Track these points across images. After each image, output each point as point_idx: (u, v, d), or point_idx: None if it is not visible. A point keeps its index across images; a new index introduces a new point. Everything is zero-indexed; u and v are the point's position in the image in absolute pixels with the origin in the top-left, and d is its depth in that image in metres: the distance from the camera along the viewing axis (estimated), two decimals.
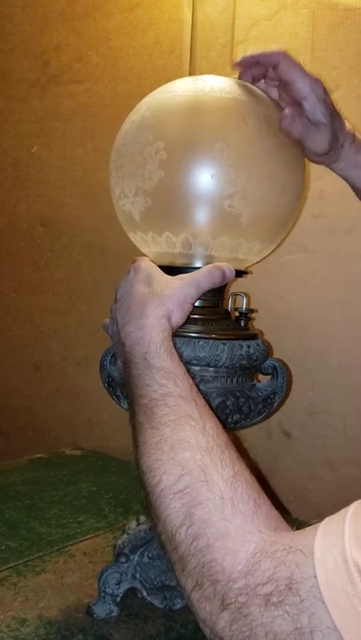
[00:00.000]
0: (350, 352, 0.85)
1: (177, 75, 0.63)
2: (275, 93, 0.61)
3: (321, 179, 0.84)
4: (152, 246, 0.62)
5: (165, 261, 0.61)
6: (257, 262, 0.65)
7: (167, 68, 1.00)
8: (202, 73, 0.62)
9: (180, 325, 0.54)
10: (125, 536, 0.66)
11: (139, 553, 0.63)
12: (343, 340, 0.86)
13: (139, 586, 0.63)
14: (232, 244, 0.59)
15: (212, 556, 0.37)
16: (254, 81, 0.61)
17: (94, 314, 1.17)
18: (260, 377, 0.65)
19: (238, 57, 0.60)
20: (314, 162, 0.63)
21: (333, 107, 0.58)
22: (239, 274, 0.62)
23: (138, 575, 0.63)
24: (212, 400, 0.58)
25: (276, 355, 0.79)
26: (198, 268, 0.57)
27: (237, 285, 0.69)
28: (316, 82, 0.57)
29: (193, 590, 0.38)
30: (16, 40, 1.26)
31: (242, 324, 0.63)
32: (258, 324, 0.74)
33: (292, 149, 0.59)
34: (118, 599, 0.62)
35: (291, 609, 0.32)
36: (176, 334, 0.54)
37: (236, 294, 0.65)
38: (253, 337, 0.62)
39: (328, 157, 0.61)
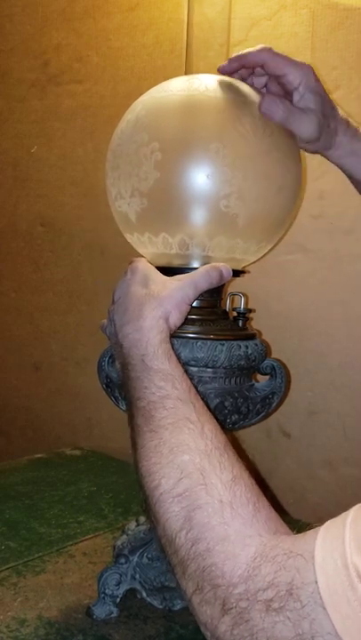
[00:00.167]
0: (350, 352, 0.85)
1: (177, 75, 0.63)
2: (261, 81, 0.60)
3: (321, 179, 0.84)
4: (149, 247, 0.62)
5: (162, 262, 0.61)
6: (254, 262, 0.65)
7: (167, 68, 1.00)
8: (199, 72, 0.61)
9: (178, 326, 0.53)
10: (125, 537, 0.66)
11: (138, 554, 0.63)
12: (343, 340, 0.86)
13: (138, 587, 0.63)
14: (229, 245, 0.59)
15: (212, 560, 0.37)
16: (243, 79, 0.60)
17: (94, 314, 1.17)
18: (259, 377, 0.65)
19: (224, 61, 0.59)
20: (308, 151, 0.62)
21: (324, 92, 0.58)
22: (237, 273, 0.62)
23: (137, 576, 0.63)
24: (210, 401, 0.58)
25: (275, 355, 0.79)
26: (196, 268, 0.57)
27: (236, 285, 0.69)
28: (307, 69, 0.56)
29: (194, 594, 0.38)
30: (16, 40, 1.26)
31: (240, 324, 0.63)
32: (257, 324, 0.74)
33: (289, 148, 0.59)
34: (118, 600, 0.62)
35: (292, 614, 0.32)
36: (174, 335, 0.54)
37: (233, 294, 0.65)
38: (252, 337, 0.62)
39: (321, 144, 0.59)
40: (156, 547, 0.62)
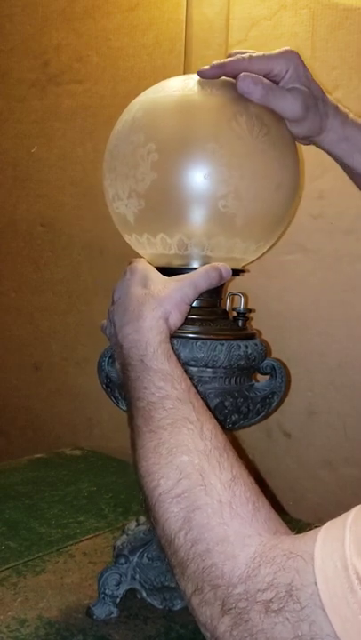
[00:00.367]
0: (350, 352, 0.85)
1: (177, 75, 0.63)
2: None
3: (320, 178, 0.84)
4: (147, 248, 0.62)
5: (162, 263, 0.61)
6: (253, 261, 0.65)
7: (167, 68, 1.00)
8: None
9: (178, 327, 0.53)
10: (125, 537, 0.66)
11: (138, 554, 0.63)
12: (343, 340, 0.85)
13: (138, 587, 0.63)
14: (228, 244, 0.59)
15: (212, 561, 0.37)
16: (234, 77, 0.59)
17: (94, 314, 1.17)
18: (259, 377, 0.65)
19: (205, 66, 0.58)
20: (301, 140, 0.61)
21: (308, 73, 0.57)
22: (236, 273, 0.62)
23: (137, 576, 0.63)
24: (210, 401, 0.58)
25: (275, 355, 0.79)
26: (195, 268, 0.57)
27: (237, 286, 0.69)
28: (290, 55, 0.56)
29: (193, 595, 0.38)
30: (16, 40, 1.26)
31: (240, 323, 0.63)
32: (257, 324, 0.74)
33: (286, 146, 0.59)
34: (118, 600, 0.62)
35: (291, 616, 0.32)
36: (173, 335, 0.54)
37: (233, 294, 0.65)
38: (251, 337, 0.62)
39: (310, 126, 0.58)
40: (155, 547, 0.62)
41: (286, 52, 0.56)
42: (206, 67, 0.58)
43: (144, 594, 0.63)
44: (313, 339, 0.88)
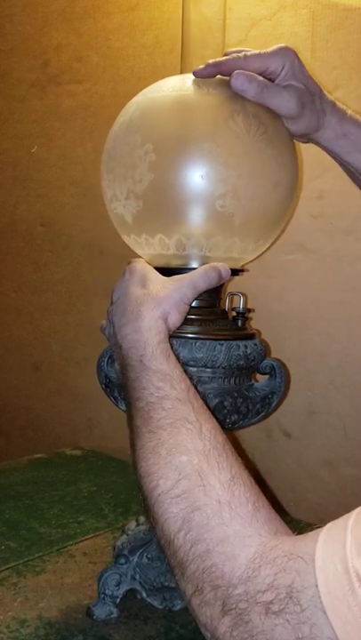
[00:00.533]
0: (350, 352, 0.85)
1: (177, 74, 0.63)
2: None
3: (320, 178, 0.84)
4: (146, 248, 0.62)
5: (161, 263, 0.61)
6: (253, 260, 0.65)
7: (167, 68, 1.00)
8: None
9: (177, 327, 0.53)
10: (125, 537, 0.66)
11: (138, 554, 0.63)
12: (343, 340, 0.85)
13: (138, 587, 0.63)
14: (226, 244, 0.59)
15: (212, 562, 0.37)
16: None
17: (94, 314, 1.17)
18: (259, 377, 0.65)
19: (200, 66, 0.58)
20: (299, 138, 0.61)
21: (305, 69, 0.57)
22: (235, 272, 0.61)
23: (137, 576, 0.63)
24: (209, 401, 0.58)
25: (275, 355, 0.79)
26: (194, 268, 0.57)
27: (237, 286, 0.69)
28: (286, 52, 0.56)
29: (193, 595, 0.38)
30: (16, 40, 1.26)
31: (239, 323, 0.63)
32: (257, 324, 0.74)
33: (284, 144, 0.59)
34: (118, 600, 0.62)
35: (292, 618, 0.32)
36: (173, 335, 0.54)
37: (233, 294, 0.65)
38: (251, 337, 0.62)
39: (307, 123, 0.58)
40: (155, 547, 0.62)
41: (282, 48, 0.56)
42: (201, 66, 0.57)
43: (144, 594, 0.63)
44: (313, 339, 0.88)
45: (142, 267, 0.56)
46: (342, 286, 0.85)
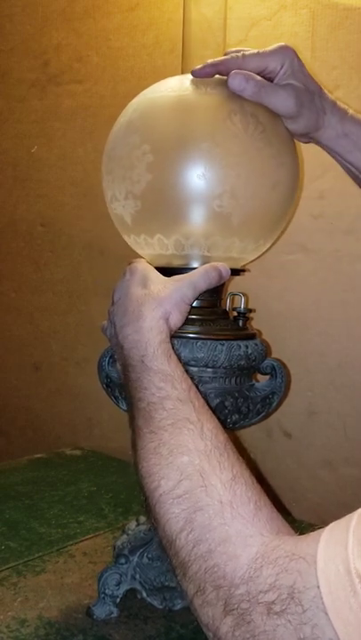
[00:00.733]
0: (350, 352, 0.85)
1: (177, 75, 0.63)
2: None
3: (320, 178, 0.84)
4: (145, 248, 0.62)
5: (161, 263, 0.61)
6: (254, 260, 0.65)
7: (167, 68, 1.00)
8: None
9: (178, 327, 0.53)
10: (125, 537, 0.66)
11: (138, 554, 0.63)
12: (343, 340, 0.85)
13: (138, 587, 0.63)
14: (225, 244, 0.59)
15: (214, 562, 0.37)
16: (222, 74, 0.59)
17: (94, 314, 1.17)
18: (259, 377, 0.65)
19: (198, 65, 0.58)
20: (300, 138, 0.61)
21: (304, 68, 0.56)
22: (236, 272, 0.61)
23: (137, 576, 0.63)
24: (210, 401, 0.58)
25: (275, 355, 0.79)
26: (194, 268, 0.57)
27: (237, 286, 0.69)
28: (285, 50, 0.55)
29: (195, 595, 0.38)
30: (16, 40, 1.26)
31: (240, 324, 0.63)
32: (257, 324, 0.74)
33: (283, 144, 0.58)
34: (118, 600, 0.62)
35: (293, 619, 0.32)
36: (174, 335, 0.54)
37: (234, 294, 0.65)
38: (252, 337, 0.62)
39: (307, 122, 0.57)
40: (156, 547, 0.62)
41: (281, 47, 0.56)
42: (199, 66, 0.57)
43: (144, 594, 0.63)
44: (313, 339, 0.88)
45: (143, 267, 0.56)
46: (342, 286, 0.85)
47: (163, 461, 0.43)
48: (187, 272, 0.56)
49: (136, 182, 0.57)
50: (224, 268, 0.56)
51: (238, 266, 0.63)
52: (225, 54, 0.58)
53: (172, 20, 0.99)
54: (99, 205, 1.11)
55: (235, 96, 0.56)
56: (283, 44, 0.56)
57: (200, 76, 0.58)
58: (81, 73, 1.15)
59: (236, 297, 0.65)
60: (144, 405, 0.47)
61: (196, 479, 0.41)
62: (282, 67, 0.55)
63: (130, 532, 0.66)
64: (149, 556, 0.63)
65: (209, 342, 0.58)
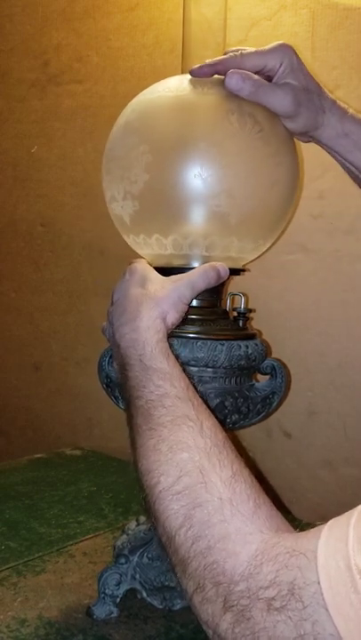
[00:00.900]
0: (350, 352, 0.85)
1: (177, 75, 0.63)
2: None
3: (320, 178, 0.84)
4: (144, 248, 0.62)
5: (160, 263, 0.61)
6: (254, 260, 0.65)
7: (167, 68, 1.00)
8: None
9: (175, 326, 0.53)
10: (125, 537, 0.66)
11: (138, 554, 0.63)
12: (343, 340, 0.86)
13: (138, 587, 0.63)
14: (223, 244, 0.59)
15: (213, 558, 0.37)
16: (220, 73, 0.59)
17: (94, 314, 1.17)
18: (259, 377, 0.65)
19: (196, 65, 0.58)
20: (300, 137, 0.60)
21: (304, 67, 0.56)
22: (236, 272, 0.61)
23: (137, 576, 0.63)
24: (210, 401, 0.58)
25: (275, 355, 0.79)
26: (194, 268, 0.57)
27: (237, 286, 0.69)
28: (284, 48, 0.55)
29: (195, 593, 0.38)
30: (16, 40, 1.26)
31: (240, 324, 0.63)
32: (257, 324, 0.74)
33: (281, 143, 0.58)
34: (118, 600, 0.62)
35: (293, 615, 0.32)
36: (174, 335, 0.54)
37: (234, 294, 0.65)
38: (252, 337, 0.62)
39: (305, 122, 0.57)
40: (155, 546, 0.62)
41: (280, 45, 0.56)
42: (197, 65, 0.57)
43: (144, 594, 0.63)
44: (313, 339, 0.88)
45: (142, 267, 0.56)
46: (342, 286, 0.85)
47: (162, 458, 0.43)
48: (186, 272, 0.56)
49: (134, 182, 0.57)
50: (223, 267, 0.56)
51: (238, 266, 0.63)
52: (224, 54, 0.58)
53: (172, 20, 0.99)
54: (99, 205, 1.11)
55: (233, 96, 0.56)
56: (281, 42, 0.56)
57: (198, 75, 0.58)
58: (81, 73, 1.15)
59: (236, 297, 0.65)
60: (142, 403, 0.47)
61: (195, 476, 0.41)
62: (281, 65, 0.55)
63: (130, 531, 0.66)
64: (149, 555, 0.63)
65: (209, 342, 0.58)
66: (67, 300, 1.24)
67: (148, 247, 0.61)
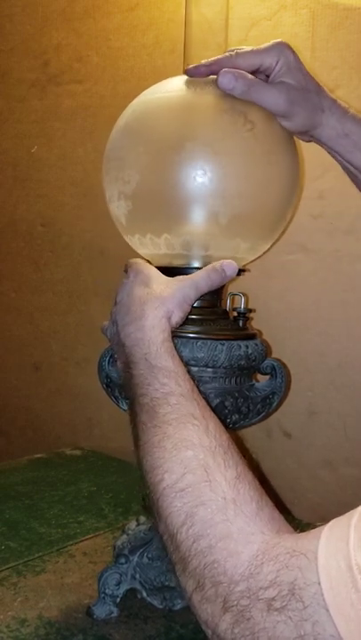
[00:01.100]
0: (350, 352, 0.85)
1: (177, 75, 0.63)
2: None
3: (320, 178, 0.84)
4: (141, 248, 0.63)
5: (157, 262, 0.61)
6: (254, 260, 0.65)
7: (167, 68, 1.00)
8: None
9: (179, 325, 0.53)
10: (125, 537, 0.66)
11: (138, 554, 0.63)
12: (343, 340, 0.85)
13: (138, 586, 0.63)
14: (215, 243, 0.59)
15: (214, 558, 0.37)
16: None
17: (94, 314, 1.17)
18: (259, 377, 0.65)
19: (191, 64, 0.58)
20: (300, 137, 0.60)
21: (301, 65, 0.56)
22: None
23: (137, 576, 0.63)
24: (210, 401, 0.58)
25: (275, 355, 0.79)
26: (196, 267, 0.57)
27: (237, 286, 0.69)
28: (280, 46, 0.55)
29: (194, 592, 0.38)
30: (16, 40, 1.26)
31: (240, 324, 0.63)
32: (257, 324, 0.74)
33: (276, 142, 0.58)
34: (118, 600, 0.62)
35: (294, 615, 0.32)
36: (174, 335, 0.54)
37: (234, 294, 0.65)
38: (252, 337, 0.62)
39: (302, 120, 0.56)
40: (156, 546, 0.62)
41: (276, 44, 0.55)
42: (193, 65, 0.57)
43: (144, 593, 0.63)
44: (313, 339, 0.88)
45: (146, 268, 0.56)
46: (342, 286, 0.85)
47: (167, 455, 0.43)
48: (188, 272, 0.56)
49: (127, 183, 0.58)
50: (228, 266, 0.56)
51: (239, 266, 0.63)
52: (204, 62, 0.58)
53: (173, 20, 0.99)
54: (99, 205, 1.11)
55: (226, 95, 0.56)
56: (278, 40, 0.56)
57: (194, 75, 0.58)
58: (81, 73, 1.15)
59: (237, 297, 0.65)
60: (147, 401, 0.47)
61: (200, 474, 0.41)
62: (277, 63, 0.55)
63: (130, 531, 0.66)
64: (149, 555, 0.63)
65: (209, 342, 0.58)
66: (67, 300, 1.24)
67: (144, 247, 0.62)
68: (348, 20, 0.81)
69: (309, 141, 0.62)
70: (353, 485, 0.85)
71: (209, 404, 0.51)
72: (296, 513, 0.90)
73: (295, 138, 0.62)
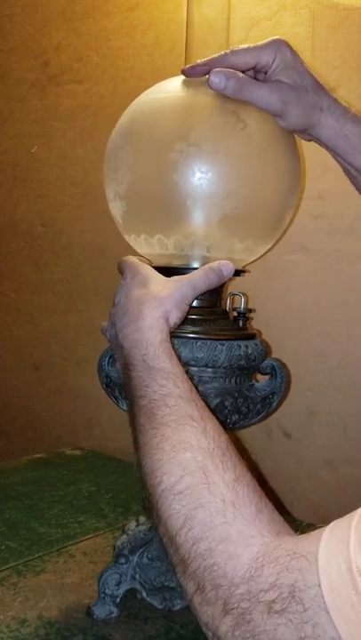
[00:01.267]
0: (350, 352, 0.85)
1: (177, 75, 0.63)
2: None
3: (321, 178, 0.84)
4: (137, 247, 0.63)
5: (158, 262, 0.61)
6: (253, 261, 0.65)
7: (167, 69, 1.00)
8: None
9: (177, 325, 0.53)
10: (125, 537, 0.66)
11: (138, 554, 0.63)
12: (343, 340, 0.85)
13: (138, 587, 0.63)
14: (210, 244, 0.59)
15: (214, 560, 0.37)
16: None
17: (94, 314, 1.17)
18: (259, 377, 0.65)
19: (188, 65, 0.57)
20: (294, 132, 0.60)
21: (303, 65, 0.55)
22: (236, 273, 0.61)
23: (137, 576, 0.63)
24: (210, 401, 0.58)
25: (275, 355, 0.79)
26: (194, 268, 0.57)
27: (238, 286, 0.69)
28: (278, 43, 0.54)
29: (195, 594, 0.37)
30: (16, 40, 1.26)
31: (240, 324, 0.63)
32: (257, 324, 0.74)
33: (270, 143, 0.57)
34: (118, 600, 0.62)
35: (294, 617, 0.32)
36: (174, 335, 0.54)
37: (234, 294, 0.65)
38: (252, 337, 0.62)
39: (299, 119, 0.56)
40: (156, 547, 0.62)
41: (273, 41, 0.55)
42: (189, 65, 0.57)
43: (144, 594, 0.63)
44: (313, 339, 0.88)
45: (144, 269, 0.56)
46: (342, 286, 0.85)
47: (165, 457, 0.43)
48: (181, 272, 0.56)
49: (120, 183, 0.58)
50: (225, 266, 0.56)
51: (238, 267, 0.63)
52: (201, 62, 0.58)
53: (172, 20, 0.99)
54: (99, 205, 1.11)
55: (221, 95, 0.55)
56: (276, 37, 0.55)
57: (190, 75, 0.57)
58: (81, 73, 1.15)
59: (236, 297, 0.65)
60: (146, 403, 0.47)
61: (198, 476, 0.41)
62: (274, 60, 0.54)
63: (130, 532, 0.66)
64: (149, 556, 0.63)
65: (209, 342, 0.58)
66: (67, 300, 1.24)
67: (140, 246, 0.62)
68: (348, 20, 0.81)
69: (310, 140, 0.61)
70: (353, 485, 0.85)
71: (208, 404, 0.51)
72: (296, 513, 0.90)
73: (297, 138, 0.61)
